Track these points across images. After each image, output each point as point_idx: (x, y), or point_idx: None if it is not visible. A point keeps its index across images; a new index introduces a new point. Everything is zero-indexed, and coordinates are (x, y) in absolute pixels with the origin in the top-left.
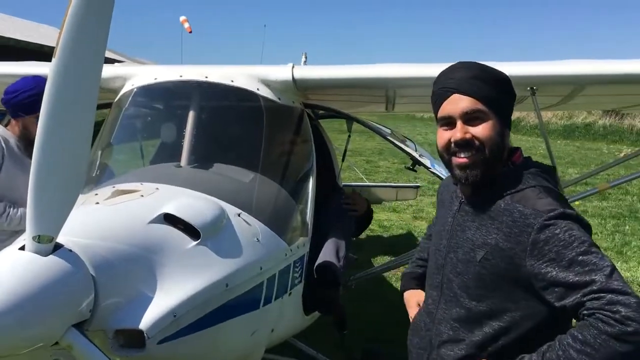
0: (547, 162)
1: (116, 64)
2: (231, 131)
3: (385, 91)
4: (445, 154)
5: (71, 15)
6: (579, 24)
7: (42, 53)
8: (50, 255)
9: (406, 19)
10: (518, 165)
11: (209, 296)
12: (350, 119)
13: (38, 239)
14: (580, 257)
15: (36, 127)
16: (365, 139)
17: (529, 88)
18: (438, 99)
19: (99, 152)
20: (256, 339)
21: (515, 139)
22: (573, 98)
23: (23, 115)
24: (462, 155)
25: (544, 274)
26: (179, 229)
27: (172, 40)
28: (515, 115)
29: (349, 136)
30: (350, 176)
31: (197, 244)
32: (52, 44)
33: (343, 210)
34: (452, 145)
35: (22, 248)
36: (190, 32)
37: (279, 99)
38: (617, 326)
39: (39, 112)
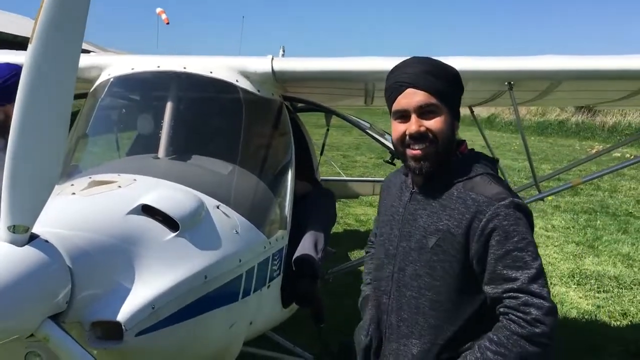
0: (522, 157)
1: (91, 54)
2: (209, 123)
3: (364, 84)
4: (400, 146)
5: (48, 2)
6: (558, 21)
7: (15, 43)
8: (26, 246)
9: (388, 13)
10: (466, 155)
11: (188, 288)
12: (329, 112)
13: (13, 229)
14: (515, 252)
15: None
16: (342, 134)
17: (506, 83)
18: (393, 93)
19: (75, 143)
20: (235, 332)
21: (490, 135)
22: (549, 93)
23: (4, 104)
24: (417, 147)
25: (482, 258)
26: (157, 220)
27: (148, 31)
28: (490, 111)
29: (328, 130)
30: (327, 170)
31: (176, 236)
32: (25, 34)
33: (321, 204)
34: (407, 137)
35: None
36: (168, 23)
37: (258, 91)
38: (527, 327)
39: None
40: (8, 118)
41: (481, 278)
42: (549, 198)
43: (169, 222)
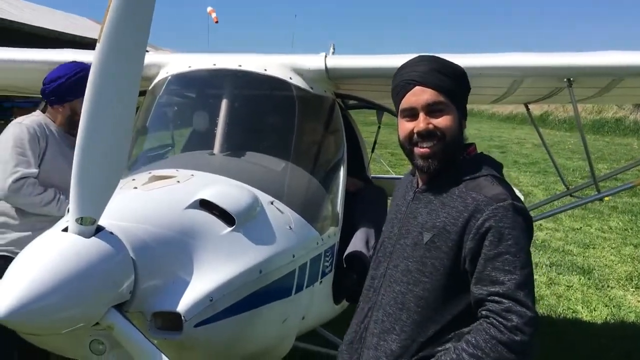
0: (577, 156)
1: (148, 52)
2: (263, 120)
3: None
4: (407, 144)
5: (115, 3)
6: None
7: (74, 42)
8: (93, 237)
9: (437, 10)
10: (473, 157)
11: (243, 282)
12: (381, 109)
13: (81, 221)
14: (507, 255)
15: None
16: (391, 132)
17: (565, 79)
18: (400, 91)
19: (134, 139)
20: (288, 326)
21: (543, 133)
22: (610, 90)
23: (71, 99)
24: (425, 145)
25: (475, 257)
26: (214, 215)
27: (200, 30)
28: (543, 108)
29: (379, 127)
30: (375, 168)
31: (232, 230)
32: (85, 34)
33: (372, 201)
34: (415, 135)
35: (65, 230)
36: (217, 22)
37: (311, 88)
38: (506, 334)
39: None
40: (75, 114)
41: (471, 279)
42: (606, 199)
43: (225, 216)
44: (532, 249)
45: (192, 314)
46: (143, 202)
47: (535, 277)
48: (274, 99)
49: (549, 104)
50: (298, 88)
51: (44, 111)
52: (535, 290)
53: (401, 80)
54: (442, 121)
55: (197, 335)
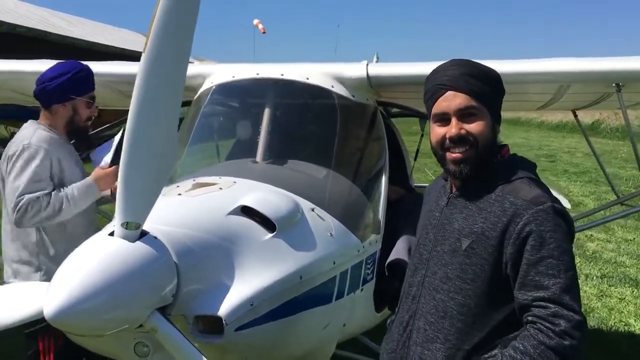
0: (630, 165)
1: (193, 63)
2: (306, 128)
3: None
4: (439, 150)
5: (159, 16)
6: None
7: (122, 56)
8: (137, 242)
9: (483, 16)
10: (507, 159)
11: (283, 287)
12: (424, 118)
13: (126, 225)
14: (550, 259)
15: (86, 110)
16: None
17: (613, 84)
18: (432, 95)
19: (180, 148)
20: (328, 333)
21: (594, 142)
22: None
23: (74, 98)
24: (457, 151)
25: (516, 263)
26: (255, 221)
27: (244, 40)
28: (594, 117)
29: (422, 135)
30: (420, 177)
31: (273, 236)
32: (132, 47)
33: (415, 210)
34: (447, 141)
35: (112, 234)
36: (264, 32)
37: (353, 96)
38: (555, 339)
39: (91, 92)
40: (76, 113)
41: (514, 284)
42: None
43: (266, 223)
44: (582, 260)
45: (233, 317)
46: (186, 208)
47: (585, 288)
48: (316, 107)
49: (601, 112)
50: (340, 96)
51: (36, 118)
52: (586, 302)
53: (433, 85)
54: (475, 126)
55: (237, 339)
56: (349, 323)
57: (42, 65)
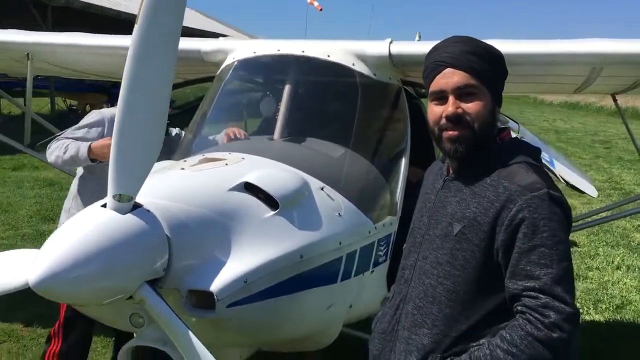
0: None
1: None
2: (325, 106)
3: None
4: (436, 129)
5: None
6: None
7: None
8: (129, 214)
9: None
10: (506, 143)
11: (282, 265)
12: None
13: (119, 197)
14: (543, 248)
15: None
16: None
17: None
18: (431, 73)
19: (199, 123)
20: (333, 313)
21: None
22: None
23: None
24: (452, 130)
25: (508, 250)
26: (258, 198)
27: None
28: (638, 102)
29: None
30: None
31: (275, 214)
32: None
33: None
34: (443, 120)
35: (104, 206)
36: (321, 10)
37: (374, 74)
38: (544, 331)
39: None
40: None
41: (505, 273)
42: None
43: (269, 200)
44: (626, 251)
45: (225, 294)
46: (186, 182)
47: (625, 280)
48: (336, 85)
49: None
50: (361, 74)
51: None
52: (625, 294)
53: (432, 62)
54: (473, 106)
55: (230, 315)
56: (357, 304)
57: (70, 37)
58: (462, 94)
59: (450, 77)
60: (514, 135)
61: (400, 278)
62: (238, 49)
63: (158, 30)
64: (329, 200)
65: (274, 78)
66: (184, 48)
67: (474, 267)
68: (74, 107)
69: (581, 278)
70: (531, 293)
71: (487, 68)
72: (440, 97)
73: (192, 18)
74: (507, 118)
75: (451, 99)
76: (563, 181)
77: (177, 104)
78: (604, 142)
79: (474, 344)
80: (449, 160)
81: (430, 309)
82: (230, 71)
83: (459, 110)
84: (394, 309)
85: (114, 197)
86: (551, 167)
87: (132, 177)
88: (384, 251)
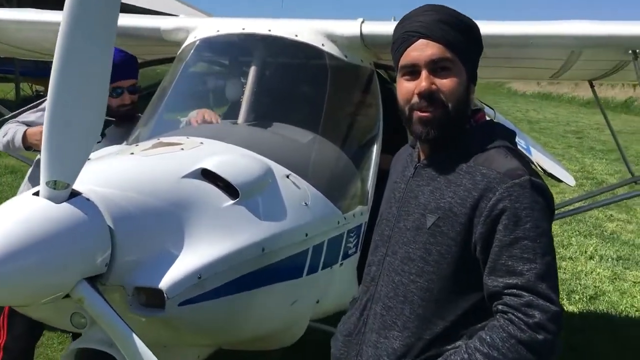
0: None
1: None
2: (292, 88)
3: None
4: (407, 109)
5: None
6: None
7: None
8: (64, 203)
9: None
10: (481, 125)
11: (241, 259)
12: None
13: (54, 184)
14: (525, 240)
15: (110, 99)
16: None
17: (630, 52)
18: (401, 45)
19: (157, 106)
20: (297, 310)
21: (627, 120)
22: None
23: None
24: (425, 110)
25: (487, 244)
26: (217, 186)
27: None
28: (627, 94)
29: None
30: None
31: (235, 204)
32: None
33: None
34: (415, 97)
35: (37, 194)
36: None
37: (345, 56)
38: (527, 332)
39: (112, 83)
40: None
41: (483, 268)
42: None
43: (228, 188)
44: (599, 241)
45: (175, 291)
46: (135, 168)
47: (598, 270)
48: (304, 67)
49: (635, 89)
50: (330, 56)
51: None
52: (598, 285)
53: (402, 32)
54: (448, 83)
55: (182, 314)
56: (325, 300)
57: (19, 13)
58: (436, 68)
59: (423, 49)
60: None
61: (367, 276)
62: (200, 27)
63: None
64: (294, 189)
65: (239, 59)
66: (143, 26)
67: (449, 262)
68: (41, 93)
69: None
70: (513, 290)
71: (462, 40)
72: (412, 72)
73: None
74: (482, 104)
75: (424, 73)
76: (540, 169)
77: (145, 85)
78: (576, 132)
79: (450, 347)
80: (420, 145)
81: (401, 310)
82: (192, 51)
83: (433, 87)
84: (360, 309)
85: (47, 184)
86: (528, 155)
87: (68, 162)
88: (354, 242)
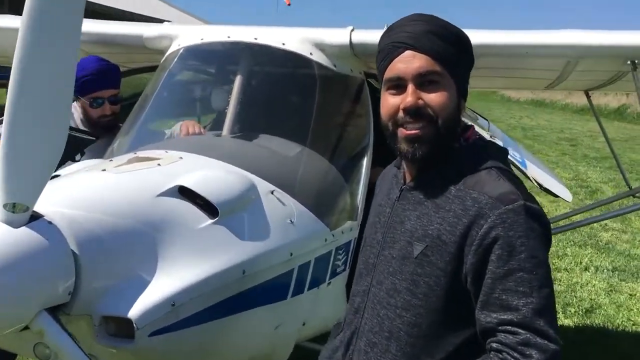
0: None
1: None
2: (279, 99)
3: None
4: (391, 125)
5: None
6: None
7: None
8: (24, 227)
9: None
10: (471, 144)
11: (219, 283)
12: None
13: (12, 207)
14: (520, 272)
15: (90, 109)
16: None
17: (628, 62)
18: (387, 56)
19: (137, 117)
20: (282, 334)
21: (620, 127)
22: None
23: (78, 97)
24: (411, 127)
25: (479, 276)
26: (195, 204)
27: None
28: (620, 101)
29: None
30: None
31: (214, 223)
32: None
33: None
34: (400, 113)
35: None
36: (289, 4)
37: (334, 65)
38: None
39: (92, 93)
40: (84, 110)
41: (476, 302)
42: None
43: (207, 207)
44: (594, 251)
45: (146, 321)
46: (106, 186)
47: (594, 282)
48: (292, 76)
49: (628, 96)
50: (319, 65)
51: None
52: (594, 297)
53: (388, 43)
54: (436, 97)
55: (153, 345)
56: (311, 321)
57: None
58: (423, 82)
59: (410, 62)
60: (483, 133)
61: (351, 306)
62: (183, 35)
63: (55, 12)
64: (279, 206)
65: (224, 68)
66: (125, 33)
67: (438, 295)
68: None
69: None
70: (508, 327)
71: (452, 52)
72: (397, 85)
73: (138, 2)
74: (476, 114)
75: (411, 87)
76: (536, 184)
77: (126, 95)
78: (570, 140)
79: None
80: (405, 165)
81: (386, 346)
82: (175, 59)
83: (420, 102)
84: (345, 344)
85: (5, 206)
86: (522, 168)
87: (28, 182)
88: (343, 260)
